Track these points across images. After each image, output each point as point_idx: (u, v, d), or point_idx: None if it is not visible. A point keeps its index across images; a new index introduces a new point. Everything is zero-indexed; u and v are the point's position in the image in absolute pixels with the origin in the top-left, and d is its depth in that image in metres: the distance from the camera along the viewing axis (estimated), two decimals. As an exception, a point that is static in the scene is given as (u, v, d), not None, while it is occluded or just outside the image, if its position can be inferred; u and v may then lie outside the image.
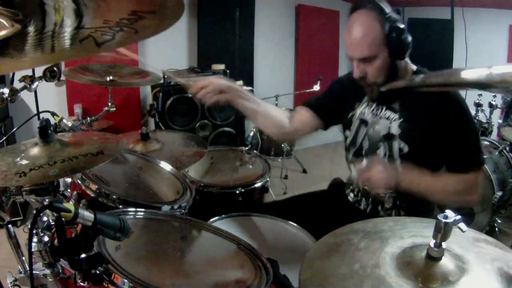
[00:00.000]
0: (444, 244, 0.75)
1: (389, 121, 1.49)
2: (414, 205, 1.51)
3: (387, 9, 1.36)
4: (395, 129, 1.47)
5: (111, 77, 2.06)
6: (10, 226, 1.01)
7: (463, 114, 1.40)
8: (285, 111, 1.79)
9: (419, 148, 1.44)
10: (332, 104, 1.69)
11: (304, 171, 4.23)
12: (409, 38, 1.36)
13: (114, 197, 1.22)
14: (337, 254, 0.86)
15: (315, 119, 1.68)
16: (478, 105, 2.83)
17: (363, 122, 1.59)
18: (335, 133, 1.82)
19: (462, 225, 0.74)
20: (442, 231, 0.73)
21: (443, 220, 0.73)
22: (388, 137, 1.49)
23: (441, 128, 1.39)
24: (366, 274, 0.77)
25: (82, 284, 0.84)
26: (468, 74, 0.76)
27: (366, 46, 1.36)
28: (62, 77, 1.54)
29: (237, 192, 1.81)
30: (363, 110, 1.59)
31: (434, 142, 1.41)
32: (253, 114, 1.60)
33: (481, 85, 0.76)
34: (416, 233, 0.88)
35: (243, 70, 4.07)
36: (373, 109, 1.56)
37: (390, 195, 1.53)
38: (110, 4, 0.64)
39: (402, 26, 1.35)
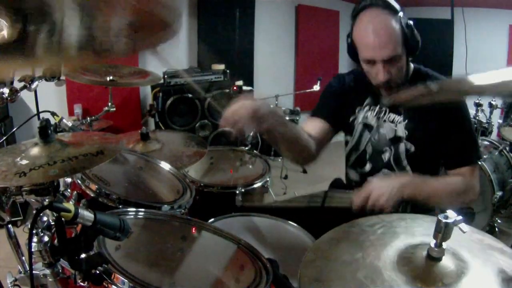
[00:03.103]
0: (445, 245, 0.75)
1: (394, 124, 1.47)
2: (416, 211, 1.50)
3: (397, 6, 1.33)
4: (401, 131, 1.46)
5: (111, 77, 2.06)
6: (10, 226, 1.01)
7: (462, 111, 1.42)
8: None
9: (426, 147, 1.44)
10: (337, 106, 1.60)
11: (304, 171, 4.22)
12: (418, 35, 1.36)
13: (114, 197, 1.22)
14: (347, 241, 0.88)
15: (326, 125, 1.57)
16: (478, 105, 2.83)
17: (367, 126, 1.55)
18: (335, 133, 1.81)
19: (463, 225, 0.74)
20: (443, 231, 0.73)
21: (444, 220, 0.73)
22: (395, 140, 1.47)
23: (443, 123, 1.39)
24: (365, 264, 0.78)
25: (82, 284, 0.84)
26: (479, 82, 0.75)
27: (392, 46, 1.31)
28: (62, 77, 1.54)
29: (237, 192, 1.81)
30: (366, 114, 1.55)
31: (438, 138, 1.41)
32: (284, 143, 1.41)
33: (492, 92, 0.75)
34: (430, 232, 0.87)
35: (243, 70, 4.07)
36: (377, 113, 1.52)
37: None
38: (108, 16, 0.65)
39: (411, 22, 1.34)
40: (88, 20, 0.61)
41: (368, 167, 1.57)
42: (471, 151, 1.44)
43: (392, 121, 1.48)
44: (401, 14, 1.34)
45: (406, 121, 1.45)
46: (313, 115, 1.62)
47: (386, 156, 1.51)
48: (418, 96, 1.20)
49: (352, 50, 1.44)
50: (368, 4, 1.35)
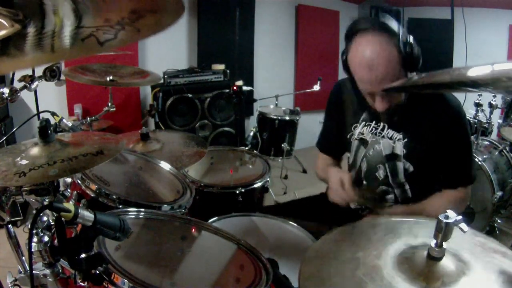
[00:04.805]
0: (445, 245, 0.74)
1: (392, 141, 1.45)
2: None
3: (395, 26, 1.25)
4: (399, 149, 1.43)
5: (111, 77, 2.06)
6: (10, 226, 1.01)
7: (462, 129, 1.38)
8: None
9: (425, 167, 1.42)
10: (337, 133, 1.64)
11: (304, 171, 4.22)
12: (419, 50, 1.29)
13: (114, 197, 1.22)
14: (348, 241, 0.88)
15: (332, 159, 1.72)
16: (478, 105, 2.83)
17: (362, 142, 1.54)
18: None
19: (463, 225, 0.74)
20: (443, 231, 0.73)
21: (444, 220, 0.73)
22: (392, 158, 1.46)
23: (443, 144, 1.37)
24: (364, 262, 0.78)
25: (82, 284, 0.84)
26: (471, 72, 0.75)
27: (390, 78, 1.23)
28: (62, 77, 1.54)
29: (237, 192, 1.81)
30: (362, 130, 1.53)
31: (438, 159, 1.39)
32: None
33: (484, 83, 0.75)
34: (432, 234, 0.88)
35: (243, 70, 4.06)
36: (373, 128, 1.50)
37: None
38: (109, 3, 0.64)
39: (412, 39, 1.26)
40: (91, 11, 0.61)
41: (364, 184, 1.56)
42: (469, 173, 1.43)
43: (391, 138, 1.46)
44: (400, 32, 1.25)
45: (406, 139, 1.42)
46: (320, 150, 1.76)
47: (381, 173, 1.49)
48: (404, 86, 1.19)
49: (348, 69, 1.40)
50: (363, 28, 1.28)
